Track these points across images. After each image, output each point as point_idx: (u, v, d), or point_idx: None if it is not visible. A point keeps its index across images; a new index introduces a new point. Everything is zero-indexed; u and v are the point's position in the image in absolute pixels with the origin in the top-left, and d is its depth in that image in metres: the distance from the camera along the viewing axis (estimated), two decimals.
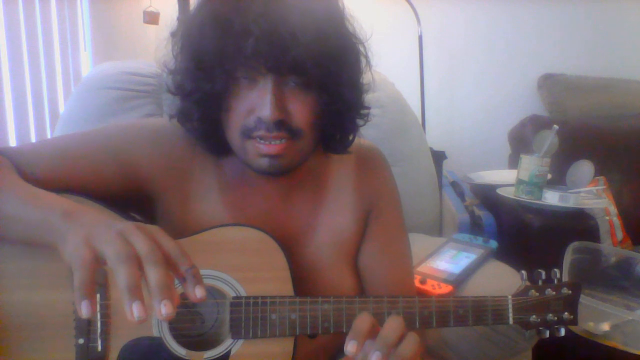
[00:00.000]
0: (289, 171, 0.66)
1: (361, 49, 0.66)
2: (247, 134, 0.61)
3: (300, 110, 0.61)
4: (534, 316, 0.68)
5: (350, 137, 0.71)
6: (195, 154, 0.71)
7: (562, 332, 0.69)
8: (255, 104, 0.60)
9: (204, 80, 0.60)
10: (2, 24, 1.30)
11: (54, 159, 0.67)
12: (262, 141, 0.61)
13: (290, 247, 0.68)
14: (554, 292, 0.69)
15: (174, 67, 0.65)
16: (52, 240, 0.52)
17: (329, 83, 0.61)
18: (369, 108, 0.70)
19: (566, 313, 0.69)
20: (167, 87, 0.66)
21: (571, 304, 0.69)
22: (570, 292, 0.69)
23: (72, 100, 1.26)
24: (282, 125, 0.60)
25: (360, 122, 0.70)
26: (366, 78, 0.68)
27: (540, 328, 0.69)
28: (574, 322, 0.69)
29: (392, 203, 0.79)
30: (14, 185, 0.59)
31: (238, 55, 0.57)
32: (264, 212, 0.72)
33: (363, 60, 0.67)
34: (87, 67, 1.69)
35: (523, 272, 0.71)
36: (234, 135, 0.63)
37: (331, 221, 0.74)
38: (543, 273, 0.70)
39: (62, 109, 1.50)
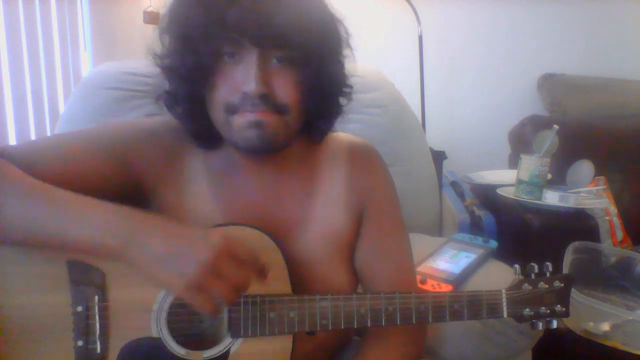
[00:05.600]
0: (276, 148, 0.66)
1: (339, 25, 0.67)
2: (232, 111, 0.62)
3: (285, 86, 0.62)
4: (527, 309, 0.69)
5: (334, 119, 0.72)
6: (186, 149, 0.72)
7: (554, 324, 0.71)
8: (240, 80, 0.61)
9: (189, 55, 0.61)
10: (2, 24, 1.30)
11: (51, 156, 0.67)
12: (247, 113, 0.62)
13: (281, 240, 0.68)
14: (547, 285, 0.70)
15: (161, 51, 0.66)
16: (120, 258, 0.55)
17: (312, 57, 0.62)
18: (351, 86, 0.71)
19: (558, 306, 0.70)
20: (156, 66, 0.67)
21: (563, 296, 0.70)
22: (562, 285, 0.70)
23: (72, 100, 1.26)
24: (267, 100, 0.61)
25: (343, 101, 0.71)
26: (348, 60, 0.69)
27: (534, 321, 0.70)
28: (566, 314, 0.70)
29: (387, 201, 0.78)
30: (45, 191, 0.58)
31: (222, 27, 0.58)
32: (254, 205, 0.72)
33: (343, 38, 0.67)
34: (87, 67, 1.69)
35: (516, 266, 0.72)
36: (218, 114, 0.64)
37: (322, 215, 0.74)
38: (536, 267, 0.71)
39: (62, 109, 1.50)
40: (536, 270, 0.71)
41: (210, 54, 0.61)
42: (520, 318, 0.70)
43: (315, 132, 0.73)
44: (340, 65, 0.68)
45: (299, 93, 0.64)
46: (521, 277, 0.71)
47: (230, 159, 0.72)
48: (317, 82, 0.64)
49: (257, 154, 0.68)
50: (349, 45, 0.69)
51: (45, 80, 1.47)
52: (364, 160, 0.77)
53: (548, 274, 0.71)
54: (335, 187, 0.75)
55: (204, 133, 0.69)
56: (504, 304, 0.68)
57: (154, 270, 0.53)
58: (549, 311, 0.70)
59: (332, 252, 0.74)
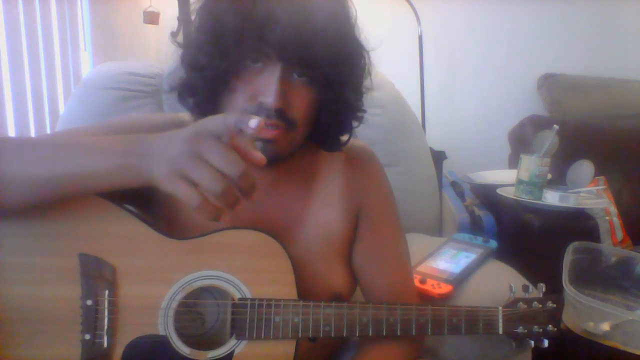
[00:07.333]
0: (278, 160, 0.66)
1: (366, 56, 0.69)
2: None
3: (300, 104, 0.63)
4: (521, 327, 0.71)
5: (345, 137, 0.73)
6: None
7: (546, 343, 0.73)
8: (259, 89, 0.62)
9: (218, 57, 0.62)
10: (2, 24, 1.30)
11: None
12: None
13: (278, 239, 0.68)
14: (540, 305, 0.73)
15: (188, 41, 0.66)
16: (137, 181, 0.52)
17: (335, 83, 0.63)
18: (365, 111, 0.73)
19: (550, 326, 0.72)
20: (181, 60, 0.67)
21: (555, 316, 0.73)
22: (554, 305, 0.73)
23: (72, 101, 1.26)
24: (281, 114, 0.62)
25: (355, 123, 0.72)
26: (367, 83, 0.71)
27: (526, 339, 0.72)
28: (557, 334, 0.73)
29: (383, 203, 0.79)
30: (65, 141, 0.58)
31: (258, 39, 0.59)
32: (252, 206, 0.72)
33: (367, 67, 0.69)
34: (87, 67, 1.69)
35: (511, 284, 0.74)
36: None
37: (319, 216, 0.74)
38: (530, 287, 0.74)
39: (62, 109, 1.50)
40: (530, 289, 0.74)
41: (238, 60, 0.62)
42: (514, 335, 0.71)
43: (323, 145, 0.73)
44: (360, 92, 0.69)
45: (311, 112, 0.65)
46: (516, 295, 0.73)
47: None
48: (334, 105, 0.66)
49: None
50: (370, 73, 0.70)
51: (45, 80, 1.47)
52: (361, 163, 0.78)
53: (541, 294, 0.74)
54: (332, 190, 0.75)
55: None
56: (500, 320, 0.71)
57: (155, 170, 0.50)
58: (541, 330, 0.72)
59: (328, 253, 0.74)
